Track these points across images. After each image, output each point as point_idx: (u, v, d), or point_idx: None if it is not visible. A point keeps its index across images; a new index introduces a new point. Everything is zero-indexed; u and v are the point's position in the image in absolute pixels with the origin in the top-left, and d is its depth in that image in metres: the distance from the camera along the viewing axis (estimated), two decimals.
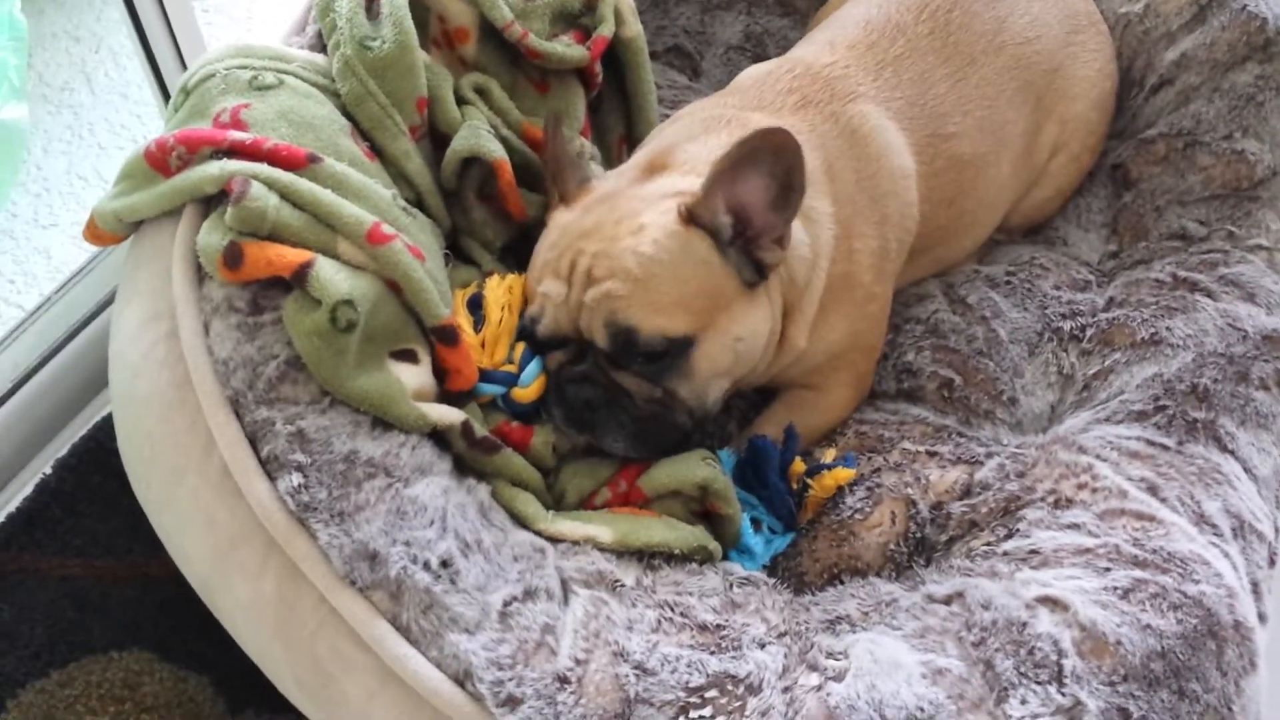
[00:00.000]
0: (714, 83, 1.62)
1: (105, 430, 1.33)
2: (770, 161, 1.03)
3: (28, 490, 1.31)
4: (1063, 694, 0.88)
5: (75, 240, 1.78)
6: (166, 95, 1.60)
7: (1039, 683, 0.88)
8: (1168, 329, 1.28)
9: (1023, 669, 0.89)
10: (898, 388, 1.31)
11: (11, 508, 1.30)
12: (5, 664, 1.19)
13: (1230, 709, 0.93)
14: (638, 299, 1.06)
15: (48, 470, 1.32)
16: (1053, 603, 0.95)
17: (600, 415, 1.09)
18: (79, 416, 1.39)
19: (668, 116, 1.38)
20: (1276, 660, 1.22)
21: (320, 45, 1.19)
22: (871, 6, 1.35)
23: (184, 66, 1.59)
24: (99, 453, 1.32)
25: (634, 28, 1.38)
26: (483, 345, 1.09)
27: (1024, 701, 0.87)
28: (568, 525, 1.03)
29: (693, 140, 1.19)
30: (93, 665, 1.20)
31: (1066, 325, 1.33)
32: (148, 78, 1.61)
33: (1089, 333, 1.32)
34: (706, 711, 0.85)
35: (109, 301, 1.43)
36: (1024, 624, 0.93)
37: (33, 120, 1.96)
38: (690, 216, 1.07)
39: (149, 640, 1.22)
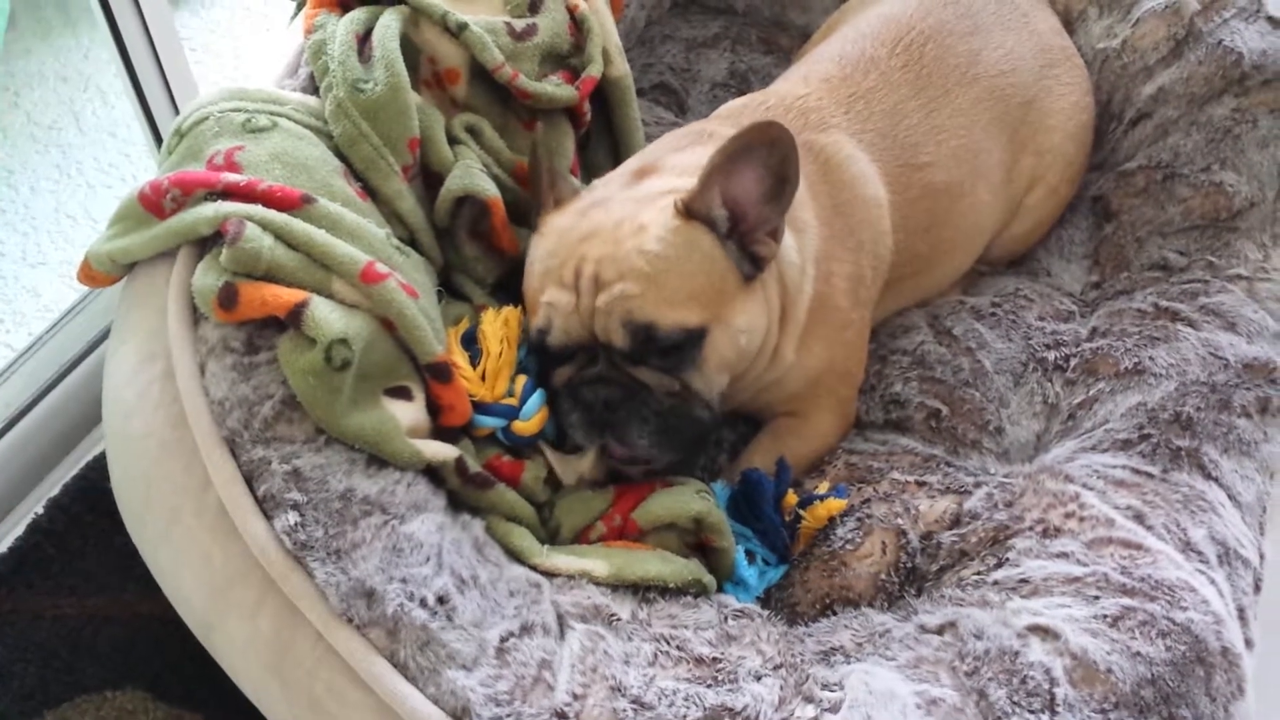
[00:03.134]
0: (699, 119, 1.63)
1: (97, 469, 1.34)
2: (765, 154, 1.07)
3: (20, 530, 1.31)
4: None
5: (64, 279, 1.79)
6: (157, 135, 1.62)
7: (1032, 711, 0.89)
8: (1150, 358, 1.30)
9: (1016, 698, 0.91)
10: (885, 418, 1.33)
11: (3, 547, 1.31)
12: (10, 697, 1.19)
13: None
14: (651, 296, 1.08)
15: (39, 510, 1.32)
16: (1044, 631, 0.97)
17: (621, 414, 1.10)
18: (70, 456, 1.39)
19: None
20: (1264, 685, 1.23)
21: (313, 87, 1.21)
22: (847, 42, 1.38)
23: (175, 107, 1.61)
24: (91, 492, 1.32)
25: (621, 67, 1.41)
26: (482, 378, 1.10)
27: None
28: (563, 559, 1.05)
29: (678, 151, 1.23)
30: (87, 705, 1.20)
31: (1051, 355, 1.35)
32: (138, 117, 1.62)
33: (1073, 362, 1.34)
34: None
35: (100, 341, 1.44)
36: (1016, 653, 0.94)
37: (20, 159, 1.98)
38: (688, 211, 1.10)
39: (143, 679, 1.21)
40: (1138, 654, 0.94)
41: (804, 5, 1.77)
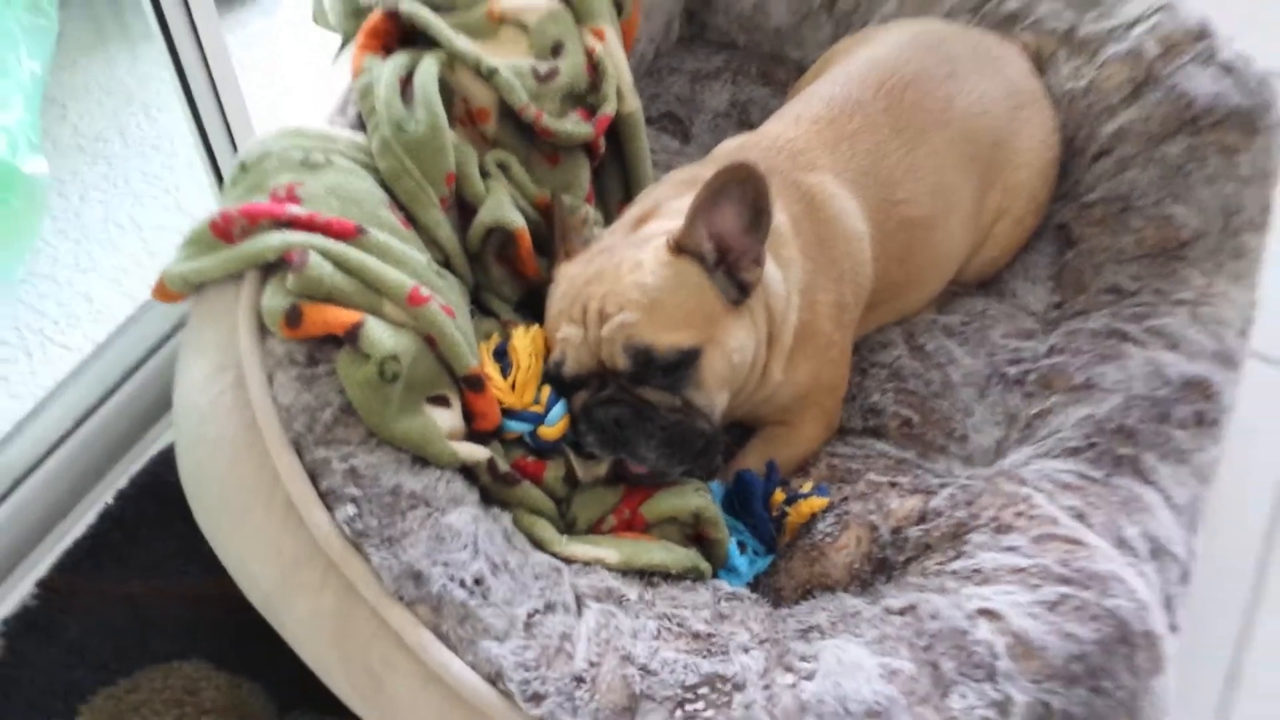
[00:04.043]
0: (703, 146, 1.78)
1: (161, 463, 1.47)
2: (739, 190, 1.21)
3: (91, 518, 1.45)
4: (996, 690, 1.04)
5: (114, 284, 1.92)
6: (208, 145, 1.73)
7: (976, 680, 1.05)
8: (1100, 374, 1.45)
9: (963, 669, 1.06)
10: (864, 425, 1.48)
11: (77, 533, 1.44)
12: (76, 674, 1.33)
13: (1137, 703, 1.09)
14: (647, 322, 1.22)
15: (110, 500, 1.46)
16: (990, 614, 1.12)
17: (630, 431, 1.24)
18: (134, 449, 1.53)
19: (661, 177, 1.56)
20: (1201, 663, 1.40)
21: (360, 125, 1.34)
22: (835, 85, 1.52)
23: (224, 118, 1.72)
24: (155, 484, 1.46)
25: (632, 104, 1.55)
26: (513, 388, 1.25)
27: (963, 696, 1.04)
28: (579, 548, 1.20)
29: (673, 199, 1.37)
30: (155, 674, 1.34)
31: (1012, 370, 1.51)
32: (188, 129, 1.73)
33: (1031, 377, 1.49)
34: (700, 705, 1.01)
35: (158, 348, 1.57)
36: (965, 632, 1.09)
37: (70, 170, 2.11)
38: (678, 247, 1.25)
39: (205, 651, 1.36)
40: (1069, 634, 1.10)
41: (799, 41, 1.90)
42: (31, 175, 1.93)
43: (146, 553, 1.43)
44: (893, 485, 1.38)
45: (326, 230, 1.19)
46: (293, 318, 1.14)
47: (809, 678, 1.06)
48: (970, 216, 1.54)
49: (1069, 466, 1.36)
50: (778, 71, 1.90)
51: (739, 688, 1.04)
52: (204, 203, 2.06)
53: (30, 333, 1.84)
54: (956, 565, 1.23)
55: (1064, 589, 1.15)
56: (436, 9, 1.40)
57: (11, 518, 1.40)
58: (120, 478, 1.50)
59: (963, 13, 1.76)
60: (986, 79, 1.56)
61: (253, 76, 2.28)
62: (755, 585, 1.31)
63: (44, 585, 1.40)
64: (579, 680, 1.02)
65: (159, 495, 1.44)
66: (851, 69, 1.54)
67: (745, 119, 1.84)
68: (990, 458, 1.46)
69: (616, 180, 1.59)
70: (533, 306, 1.40)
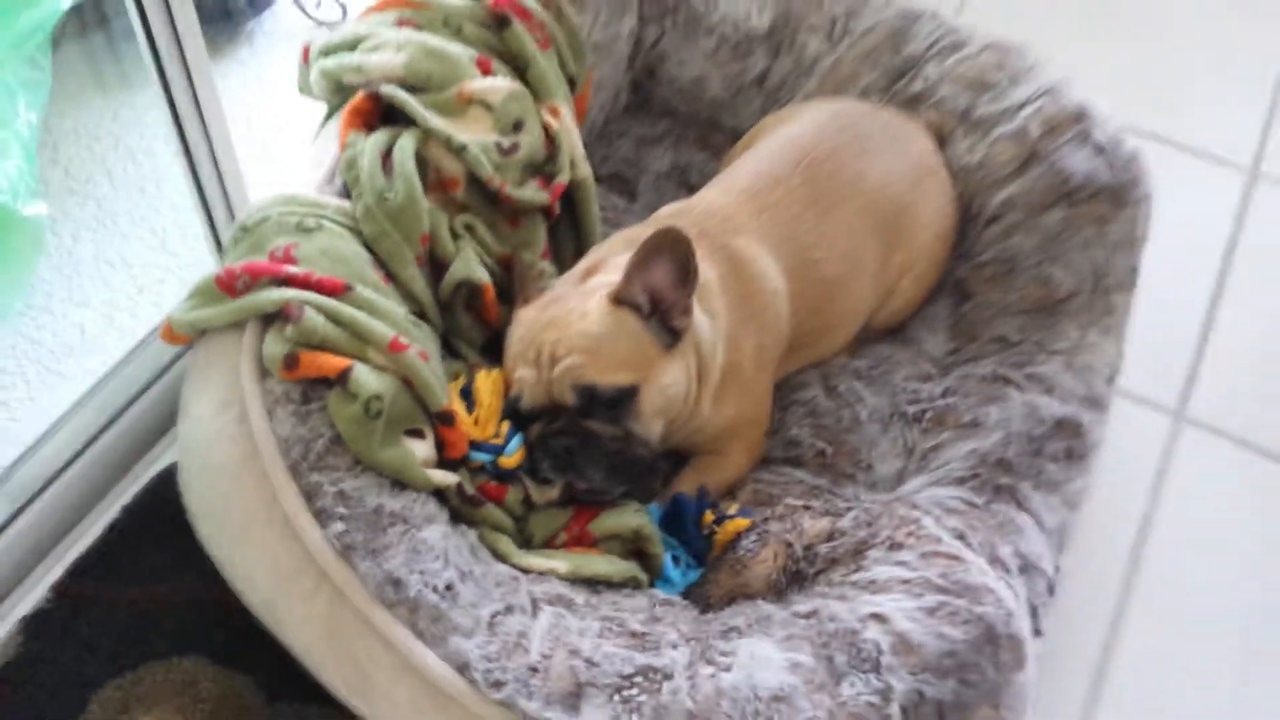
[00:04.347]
0: (647, 205, 1.94)
1: (161, 482, 1.61)
2: (670, 252, 1.40)
3: (99, 530, 1.58)
4: (879, 680, 1.23)
5: (104, 318, 2.03)
6: (200, 185, 1.84)
7: (863, 672, 1.24)
8: (985, 414, 1.64)
9: (853, 662, 1.25)
10: (784, 455, 1.67)
11: (86, 544, 1.58)
12: (88, 668, 1.48)
13: (1000, 694, 1.29)
14: (591, 365, 1.41)
15: (115, 514, 1.60)
16: (879, 618, 1.31)
17: (579, 458, 1.41)
18: (136, 468, 1.66)
19: (609, 233, 1.77)
20: (1070, 665, 1.61)
21: (346, 194, 1.52)
22: (760, 160, 1.73)
23: (216, 163, 1.85)
24: (156, 501, 1.59)
25: (583, 171, 1.75)
26: (476, 423, 1.43)
27: (852, 685, 1.23)
28: (535, 560, 1.38)
29: (617, 255, 1.57)
30: (157, 668, 1.48)
31: (910, 409, 1.71)
32: (180, 172, 1.82)
33: (927, 415, 1.70)
34: (634, 691, 1.20)
35: (154, 381, 1.74)
36: (856, 631, 1.28)
37: (63, 210, 2.25)
38: (618, 299, 1.44)
39: (202, 649, 1.50)
40: (943, 635, 1.29)
41: (733, 111, 2.08)
42: (30, 217, 2.09)
43: (148, 562, 1.56)
44: (807, 508, 1.56)
45: (319, 287, 1.37)
46: (290, 362, 1.32)
47: (727, 669, 1.25)
48: (876, 274, 1.76)
49: (955, 494, 1.57)
50: (715, 137, 2.08)
51: (668, 677, 1.23)
52: (188, 242, 2.21)
53: (28, 361, 1.98)
54: (856, 577, 1.43)
55: (942, 597, 1.35)
56: (412, 90, 1.59)
57: (28, 529, 1.55)
58: (124, 494, 1.64)
59: (875, 92, 1.96)
60: (892, 156, 1.77)
61: (235, 126, 2.45)
62: (687, 594, 1.47)
63: (57, 590, 1.54)
64: (533, 670, 1.21)
65: (159, 511, 1.58)
66: (774, 145, 1.75)
67: (685, 180, 2.02)
68: (892, 485, 1.65)
69: (569, 236, 1.79)
70: (494, 350, 1.59)
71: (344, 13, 2.67)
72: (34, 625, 1.53)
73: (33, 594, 1.56)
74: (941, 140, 1.92)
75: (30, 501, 1.57)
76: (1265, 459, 2.00)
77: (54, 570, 1.58)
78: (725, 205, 1.65)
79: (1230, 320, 2.17)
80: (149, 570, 1.57)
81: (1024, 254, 1.82)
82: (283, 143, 2.43)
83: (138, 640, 1.52)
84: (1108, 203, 1.79)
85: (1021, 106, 1.87)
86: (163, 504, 1.51)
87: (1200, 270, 2.25)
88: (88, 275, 2.16)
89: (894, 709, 1.23)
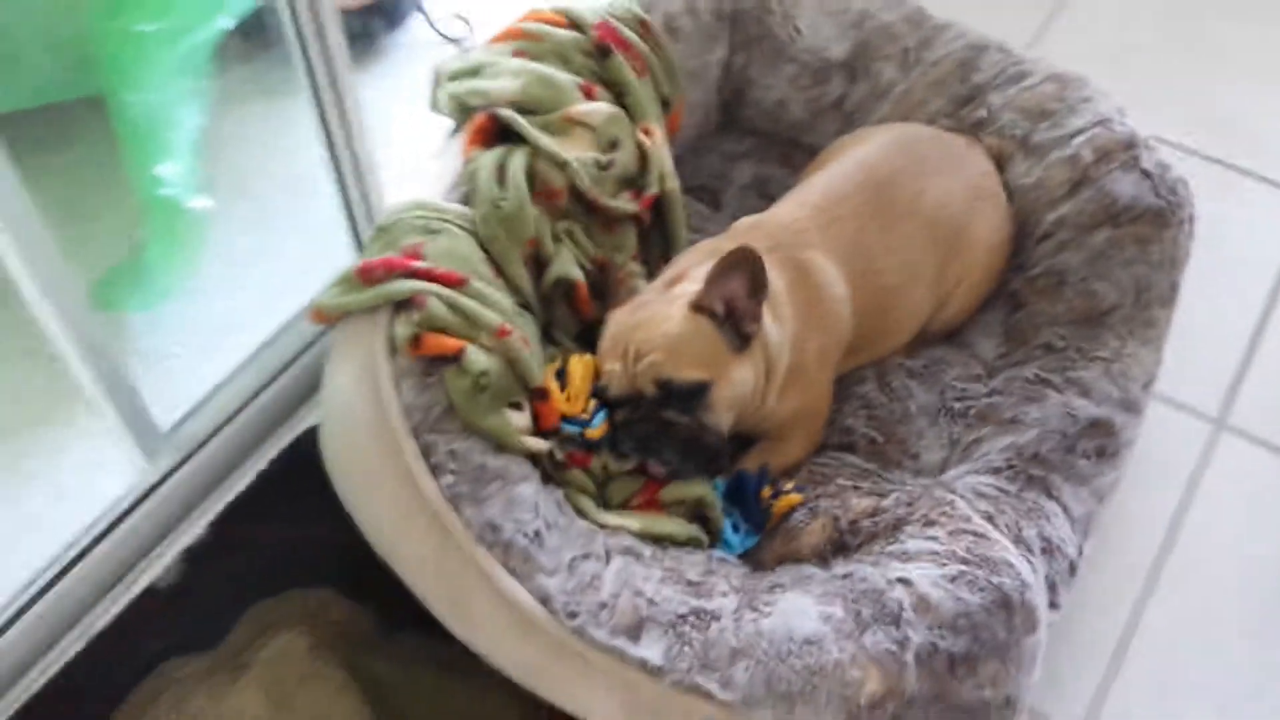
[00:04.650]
0: (730, 214, 2.11)
1: (305, 440, 1.77)
2: (744, 266, 1.60)
3: (250, 478, 1.85)
4: (899, 632, 1.43)
5: (261, 302, 2.24)
6: (342, 185, 2.07)
7: (885, 624, 1.44)
8: (1024, 412, 1.81)
9: (877, 616, 1.44)
10: (839, 442, 1.85)
11: (239, 489, 1.84)
12: (241, 588, 1.74)
13: (1008, 652, 1.45)
14: (670, 362, 1.61)
15: (265, 465, 1.86)
16: (905, 582, 1.49)
17: (656, 443, 1.58)
18: (284, 426, 1.91)
19: (693, 240, 1.98)
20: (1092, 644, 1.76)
21: (466, 201, 1.76)
22: (832, 178, 1.92)
23: (358, 167, 2.08)
24: (300, 456, 1.79)
25: (672, 184, 1.97)
26: (567, 400, 1.66)
27: (874, 634, 1.43)
28: (610, 517, 1.56)
29: (699, 265, 1.77)
30: (294, 595, 1.72)
31: (957, 406, 1.88)
32: (325, 175, 2.07)
33: (972, 411, 1.88)
34: (687, 627, 1.43)
35: (300, 354, 2.00)
36: (883, 591, 1.48)
37: (225, 206, 2.58)
38: (697, 306, 1.65)
39: (332, 582, 1.73)
40: (960, 599, 1.47)
41: (813, 131, 2.23)
42: (196, 210, 2.41)
43: (290, 507, 1.76)
44: (855, 489, 1.74)
45: (442, 280, 1.61)
46: (415, 342, 1.54)
47: (768, 616, 1.46)
48: (932, 284, 1.94)
49: (990, 481, 1.75)
50: (795, 155, 2.25)
51: (716, 618, 1.45)
52: (331, 234, 2.48)
53: (194, 335, 2.26)
54: (891, 549, 1.61)
55: (963, 567, 1.53)
56: (525, 113, 1.85)
57: (191, 475, 1.81)
58: (273, 449, 1.86)
59: (941, 117, 2.13)
60: (950, 176, 1.95)
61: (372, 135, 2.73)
62: (743, 558, 1.69)
63: (214, 526, 1.79)
64: (603, 605, 1.42)
65: (302, 465, 1.71)
66: (845, 165, 1.94)
67: (764, 192, 2.19)
68: (935, 472, 1.83)
69: (658, 241, 2.00)
70: (586, 339, 1.83)
71: (469, 28, 2.92)
72: (193, 555, 1.75)
73: (193, 529, 1.78)
74: (1001, 163, 2.08)
75: (194, 453, 1.82)
76: None
77: (211, 511, 1.80)
78: (798, 219, 1.85)
79: (1278, 334, 2.28)
80: (291, 515, 1.78)
81: (1072, 269, 1.97)
82: (413, 150, 2.69)
83: (278, 573, 1.73)
84: (1151, 224, 1.94)
85: (1076, 134, 2.03)
86: (305, 458, 1.68)
87: (1253, 285, 2.38)
88: (243, 265, 2.46)
89: (909, 656, 1.43)
